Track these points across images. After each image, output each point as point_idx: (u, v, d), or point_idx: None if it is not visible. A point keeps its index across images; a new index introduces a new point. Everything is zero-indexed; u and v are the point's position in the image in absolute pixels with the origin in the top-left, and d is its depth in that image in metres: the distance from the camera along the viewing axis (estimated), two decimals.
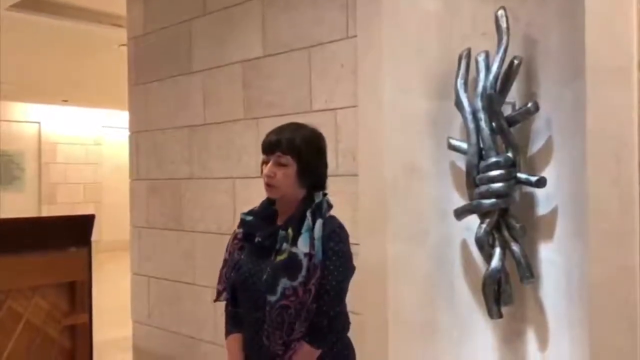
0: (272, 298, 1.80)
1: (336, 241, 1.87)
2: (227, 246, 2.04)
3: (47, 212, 11.78)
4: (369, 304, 2.68)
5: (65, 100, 11.77)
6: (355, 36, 2.89)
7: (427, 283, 2.77)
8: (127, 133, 4.41)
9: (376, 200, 2.76)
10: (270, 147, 1.92)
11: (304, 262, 1.79)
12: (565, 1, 2.46)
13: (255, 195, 3.45)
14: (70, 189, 12.53)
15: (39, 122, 12.34)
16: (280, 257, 1.83)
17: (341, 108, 2.96)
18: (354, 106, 2.89)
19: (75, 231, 2.87)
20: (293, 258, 1.80)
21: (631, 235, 2.06)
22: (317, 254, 1.81)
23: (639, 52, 2.06)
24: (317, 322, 1.84)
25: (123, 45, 4.74)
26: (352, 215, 2.79)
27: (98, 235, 9.76)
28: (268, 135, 1.96)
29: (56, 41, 7.01)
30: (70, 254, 2.82)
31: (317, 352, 1.87)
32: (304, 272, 1.79)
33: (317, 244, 1.82)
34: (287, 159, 1.89)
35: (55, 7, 5.88)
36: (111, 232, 11.27)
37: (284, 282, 1.79)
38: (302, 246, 1.81)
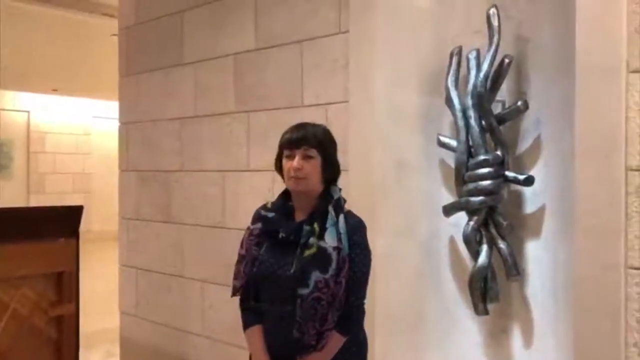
0: (304, 291, 1.85)
1: (359, 234, 1.97)
2: (242, 242, 2.06)
3: (35, 201, 11.71)
4: None
5: (55, 90, 11.68)
6: (348, 31, 2.89)
7: (414, 278, 2.78)
8: (117, 123, 4.39)
9: (366, 195, 2.77)
10: (298, 141, 1.96)
11: (334, 255, 1.87)
12: (557, 0, 2.47)
13: (245, 189, 3.47)
14: (59, 179, 12.46)
15: (28, 111, 12.24)
16: (309, 252, 1.89)
17: (332, 103, 2.96)
18: (345, 101, 2.90)
19: (63, 222, 2.85)
20: (322, 252, 1.88)
21: (617, 234, 2.08)
22: (344, 247, 1.90)
23: (628, 52, 2.08)
24: (346, 311, 1.92)
25: (115, 35, 4.71)
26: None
27: (87, 225, 9.70)
28: (291, 131, 2.00)
29: (47, 30, 6.96)
30: (58, 244, 2.80)
31: (344, 339, 1.95)
32: (334, 264, 1.86)
33: (344, 237, 1.91)
34: (314, 152, 1.96)
35: None
36: (100, 222, 11.23)
37: (316, 275, 1.85)
38: (330, 240, 1.89)
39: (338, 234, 1.90)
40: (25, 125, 12.25)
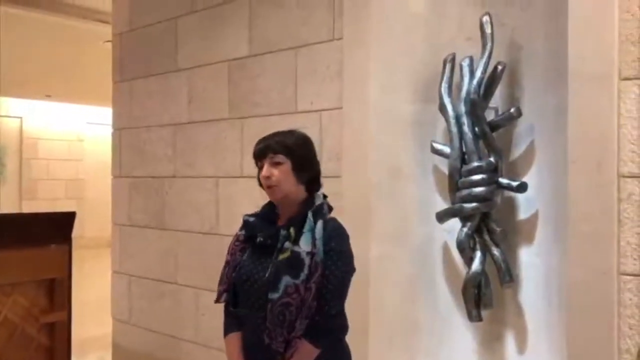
0: (274, 295, 1.83)
1: (337, 241, 1.91)
2: (229, 248, 2.06)
3: (27, 207, 11.63)
4: (351, 304, 2.67)
5: (49, 95, 11.64)
6: (342, 38, 2.89)
7: (408, 284, 2.78)
8: (110, 129, 4.38)
9: (360, 201, 2.77)
10: (262, 151, 1.97)
11: (306, 260, 1.83)
12: (550, 8, 2.49)
13: (238, 195, 3.46)
14: (52, 185, 12.38)
15: (21, 117, 12.18)
16: (282, 256, 1.87)
17: (326, 110, 2.97)
18: (339, 108, 2.90)
19: (56, 228, 2.84)
20: (295, 256, 1.85)
21: (610, 239, 2.09)
22: (318, 252, 1.85)
23: (620, 59, 2.10)
24: (318, 320, 1.86)
25: (108, 41, 4.71)
26: (335, 217, 2.79)
27: (80, 231, 9.67)
28: (256, 144, 2.00)
29: (41, 36, 6.95)
30: (50, 250, 2.79)
31: (317, 351, 1.89)
32: (305, 270, 1.83)
33: (319, 243, 1.87)
34: (280, 157, 1.94)
35: (41, 1, 5.83)
36: (93, 228, 11.18)
37: (286, 280, 1.82)
38: (304, 245, 1.86)
39: (313, 239, 1.86)
40: (18, 131, 12.18)
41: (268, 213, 2.04)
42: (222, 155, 3.52)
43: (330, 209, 2.02)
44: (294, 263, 1.84)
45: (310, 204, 1.96)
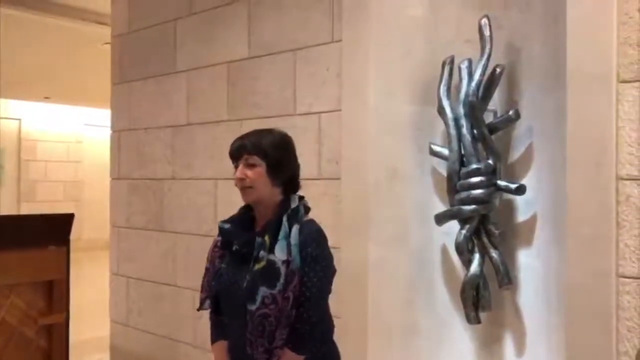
0: (252, 307, 1.80)
1: (314, 246, 1.87)
2: (208, 255, 2.04)
3: (26, 209, 11.62)
4: (350, 307, 2.69)
5: (47, 97, 11.63)
6: (341, 40, 2.90)
7: (407, 286, 2.78)
8: (109, 131, 4.38)
9: (358, 203, 2.77)
10: (237, 151, 1.94)
11: (282, 269, 1.80)
12: (548, 10, 2.49)
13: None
14: (50, 187, 12.37)
15: (19, 119, 12.18)
16: (258, 266, 1.83)
17: (325, 112, 2.97)
18: (338, 110, 2.90)
19: (54, 230, 2.84)
20: (271, 266, 1.81)
21: (608, 242, 2.09)
22: (294, 260, 1.82)
23: (618, 62, 2.10)
24: (299, 328, 1.84)
25: (106, 43, 4.71)
26: (334, 219, 2.80)
27: (78, 233, 9.66)
28: (232, 144, 1.97)
29: (39, 37, 6.94)
30: (48, 252, 2.79)
31: (300, 358, 1.87)
32: (282, 279, 1.79)
33: (294, 250, 1.83)
34: (255, 159, 1.90)
35: (39, 3, 5.83)
36: (91, 230, 11.16)
37: (263, 291, 1.79)
38: (279, 253, 1.82)
39: (288, 246, 1.83)
40: (17, 133, 12.18)
41: (244, 218, 2.01)
42: (220, 157, 3.51)
43: (307, 210, 1.98)
44: (270, 273, 1.80)
45: (286, 207, 1.91)
